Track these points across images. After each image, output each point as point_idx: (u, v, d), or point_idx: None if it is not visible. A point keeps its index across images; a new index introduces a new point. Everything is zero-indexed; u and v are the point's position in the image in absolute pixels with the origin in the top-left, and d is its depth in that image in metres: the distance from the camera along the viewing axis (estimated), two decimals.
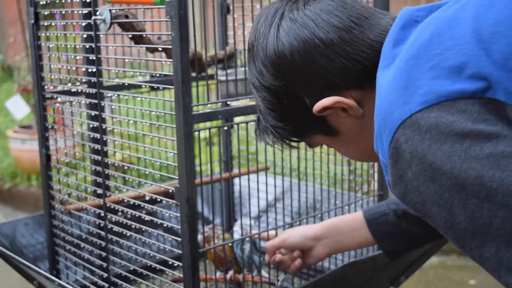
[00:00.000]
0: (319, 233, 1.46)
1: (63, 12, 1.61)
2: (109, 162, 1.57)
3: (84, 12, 1.61)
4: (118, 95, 1.53)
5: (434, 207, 0.80)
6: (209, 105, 1.35)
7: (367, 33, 0.95)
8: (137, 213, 1.46)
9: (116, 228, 1.51)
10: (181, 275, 1.34)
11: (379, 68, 0.91)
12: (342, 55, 0.94)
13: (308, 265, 1.50)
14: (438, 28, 0.85)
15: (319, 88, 0.96)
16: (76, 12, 1.65)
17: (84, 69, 1.63)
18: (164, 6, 1.22)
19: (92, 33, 1.44)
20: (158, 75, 1.83)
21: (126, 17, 1.38)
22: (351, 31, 0.94)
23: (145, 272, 1.44)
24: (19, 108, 4.86)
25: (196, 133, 1.30)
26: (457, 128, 0.77)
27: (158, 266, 1.42)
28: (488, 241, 0.76)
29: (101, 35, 1.49)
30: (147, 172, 1.52)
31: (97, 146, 1.52)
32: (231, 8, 1.64)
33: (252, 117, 1.56)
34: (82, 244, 1.62)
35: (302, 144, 1.67)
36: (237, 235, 1.64)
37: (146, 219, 1.44)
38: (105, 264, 1.55)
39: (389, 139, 0.83)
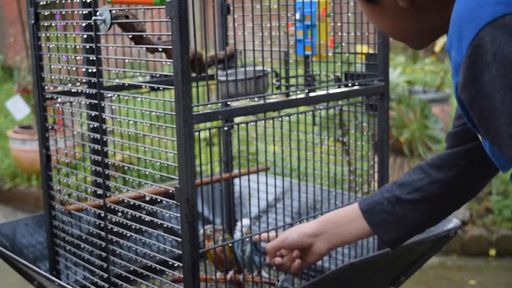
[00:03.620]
0: (316, 229, 1.45)
1: (63, 13, 1.61)
2: (109, 163, 1.57)
3: (84, 12, 1.61)
4: (118, 95, 1.53)
5: (503, 118, 0.76)
6: (209, 105, 1.35)
7: None
8: (137, 214, 1.46)
9: (116, 229, 1.51)
10: (181, 276, 1.34)
11: None
12: None
13: (310, 263, 1.48)
14: None
15: None
16: (76, 12, 1.65)
17: (84, 70, 1.63)
18: (164, 7, 1.22)
19: (92, 33, 1.44)
20: (158, 75, 1.83)
21: (126, 17, 1.38)
22: None
23: (145, 272, 1.44)
24: (19, 108, 4.86)
25: (196, 133, 1.30)
26: None
27: (158, 267, 1.42)
28: None
29: (101, 36, 1.50)
30: (147, 173, 1.52)
31: (97, 147, 1.53)
32: (231, 8, 1.64)
33: (252, 117, 1.57)
34: (82, 245, 1.62)
35: (302, 145, 1.69)
36: (239, 235, 1.64)
37: (146, 219, 1.44)
38: (105, 265, 1.55)
39: (472, 36, 0.78)
